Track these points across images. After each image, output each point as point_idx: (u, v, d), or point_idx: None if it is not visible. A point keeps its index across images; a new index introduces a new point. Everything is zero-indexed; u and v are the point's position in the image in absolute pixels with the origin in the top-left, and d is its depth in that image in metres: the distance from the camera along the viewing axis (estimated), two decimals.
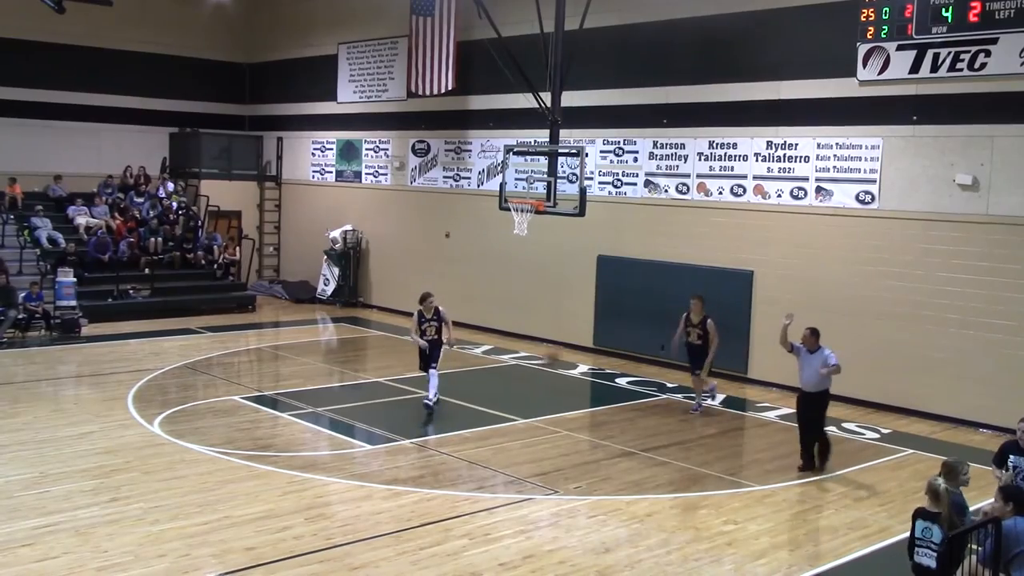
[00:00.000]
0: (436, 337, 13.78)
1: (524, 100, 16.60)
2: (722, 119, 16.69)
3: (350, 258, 23.98)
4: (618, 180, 18.38)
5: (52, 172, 23.64)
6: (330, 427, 13.17)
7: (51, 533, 8.76)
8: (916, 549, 6.84)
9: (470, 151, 21.29)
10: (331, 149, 25.15)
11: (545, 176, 16.10)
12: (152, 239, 22.95)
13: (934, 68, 14.02)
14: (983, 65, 13.53)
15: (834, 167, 15.39)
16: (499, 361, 18.02)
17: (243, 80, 27.66)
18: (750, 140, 16.42)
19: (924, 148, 14.40)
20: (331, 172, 25.20)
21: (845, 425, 13.86)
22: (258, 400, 14.34)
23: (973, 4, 13.49)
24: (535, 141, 18.37)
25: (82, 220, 22.56)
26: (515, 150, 17.85)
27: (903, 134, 14.61)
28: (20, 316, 18.51)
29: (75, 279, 19.88)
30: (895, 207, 14.71)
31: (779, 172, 16.08)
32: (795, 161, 15.87)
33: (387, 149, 23.49)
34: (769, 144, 16.17)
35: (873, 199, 14.94)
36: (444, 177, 21.98)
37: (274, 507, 9.65)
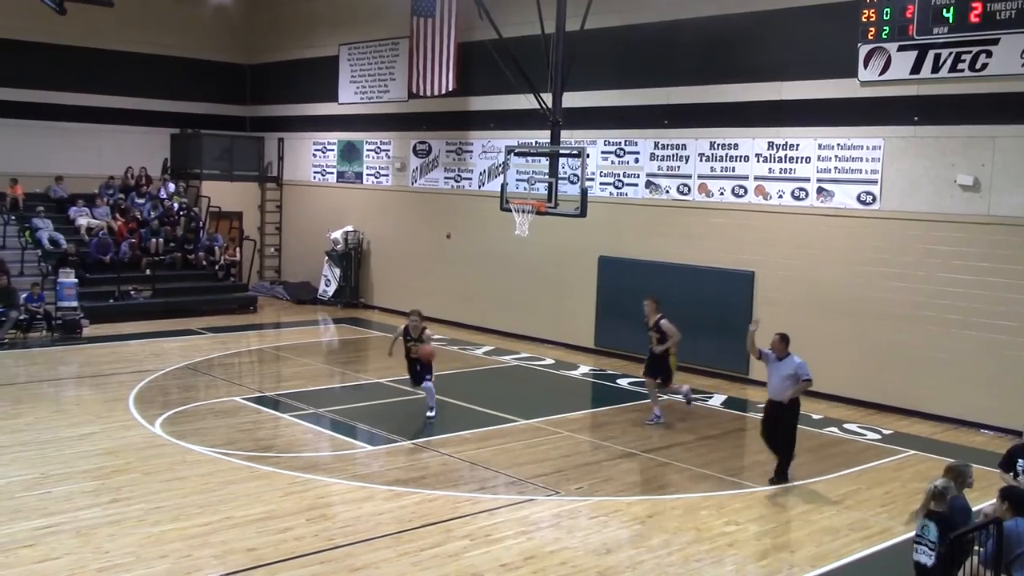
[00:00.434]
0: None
1: (525, 101, 16.58)
2: (723, 120, 16.69)
3: (351, 259, 23.98)
4: (619, 181, 18.37)
5: (53, 173, 23.64)
6: (331, 428, 13.17)
7: (52, 534, 8.77)
8: (914, 547, 6.89)
9: (471, 152, 21.29)
10: (332, 150, 25.15)
11: (546, 177, 16.09)
12: (153, 240, 22.96)
13: (935, 69, 14.01)
14: (984, 66, 13.53)
15: (835, 168, 15.38)
16: (500, 362, 18.02)
17: (244, 81, 27.67)
18: (751, 141, 16.42)
19: (925, 149, 14.39)
20: (332, 173, 25.20)
21: (846, 426, 13.86)
22: (259, 401, 14.35)
23: (974, 5, 13.48)
24: (536, 142, 18.36)
25: (83, 221, 22.55)
26: (516, 151, 17.82)
27: (904, 135, 14.60)
28: (21, 317, 18.53)
29: (76, 280, 19.86)
30: (896, 208, 14.70)
31: (780, 173, 16.07)
32: (796, 162, 15.87)
33: (388, 150, 23.49)
34: (770, 145, 16.17)
35: (874, 200, 14.93)
36: (445, 178, 21.98)
37: (275, 508, 9.66)
